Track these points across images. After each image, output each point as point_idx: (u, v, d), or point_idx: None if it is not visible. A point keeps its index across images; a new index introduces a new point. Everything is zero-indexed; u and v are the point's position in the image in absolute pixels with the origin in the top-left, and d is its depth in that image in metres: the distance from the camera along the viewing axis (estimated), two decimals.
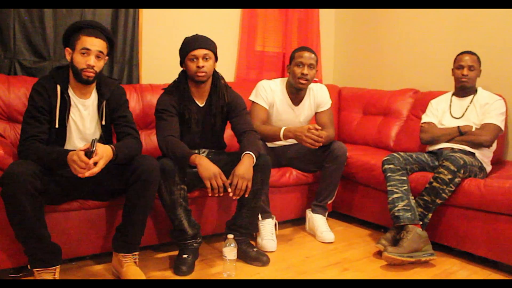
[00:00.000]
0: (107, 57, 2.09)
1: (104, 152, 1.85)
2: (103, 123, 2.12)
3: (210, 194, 2.07)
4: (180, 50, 2.32)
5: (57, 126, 2.01)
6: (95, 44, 1.98)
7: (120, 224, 2.07)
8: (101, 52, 2.00)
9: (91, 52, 1.97)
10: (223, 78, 2.43)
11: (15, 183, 1.72)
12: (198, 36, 2.31)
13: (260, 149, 2.31)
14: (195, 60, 2.26)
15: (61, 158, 1.84)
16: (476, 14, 3.10)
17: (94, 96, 2.11)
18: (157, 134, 2.27)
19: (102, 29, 2.04)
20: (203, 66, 2.25)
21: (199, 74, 2.26)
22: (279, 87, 2.77)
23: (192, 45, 2.26)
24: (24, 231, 1.81)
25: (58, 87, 2.01)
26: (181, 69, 2.38)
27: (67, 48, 2.02)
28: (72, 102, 2.04)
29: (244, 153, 2.20)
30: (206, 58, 2.27)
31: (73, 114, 2.06)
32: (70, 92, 2.05)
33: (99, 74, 2.05)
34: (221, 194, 2.09)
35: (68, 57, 2.02)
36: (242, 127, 2.37)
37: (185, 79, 2.35)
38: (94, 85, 2.10)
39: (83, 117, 2.08)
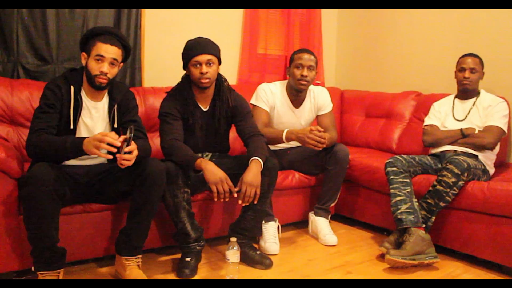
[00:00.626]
0: (121, 64, 2.10)
1: (135, 145, 1.89)
2: (115, 126, 2.13)
3: (215, 199, 2.06)
4: (183, 54, 2.30)
5: (72, 127, 2.02)
6: (110, 51, 1.99)
7: (125, 226, 2.08)
8: (115, 59, 2.01)
9: (105, 59, 1.98)
10: (226, 81, 2.41)
11: (38, 186, 1.74)
12: (201, 40, 2.28)
13: (267, 153, 2.28)
14: (198, 66, 2.23)
15: (76, 144, 1.84)
16: (479, 16, 3.10)
17: (105, 100, 2.12)
18: (160, 137, 2.27)
19: (118, 36, 2.05)
20: (206, 72, 2.23)
21: (203, 81, 2.24)
22: (279, 89, 2.77)
23: (195, 50, 2.23)
24: (38, 233, 1.81)
25: (72, 88, 2.02)
26: (184, 72, 2.37)
27: (83, 53, 2.04)
28: (84, 105, 2.06)
29: (252, 159, 2.18)
30: (210, 64, 2.24)
31: (84, 116, 2.07)
32: (83, 94, 2.07)
33: (112, 80, 2.06)
34: (227, 199, 2.08)
35: (83, 62, 2.04)
36: (248, 130, 2.35)
37: (188, 83, 2.33)
38: (106, 89, 2.11)
39: (94, 119, 2.09)
